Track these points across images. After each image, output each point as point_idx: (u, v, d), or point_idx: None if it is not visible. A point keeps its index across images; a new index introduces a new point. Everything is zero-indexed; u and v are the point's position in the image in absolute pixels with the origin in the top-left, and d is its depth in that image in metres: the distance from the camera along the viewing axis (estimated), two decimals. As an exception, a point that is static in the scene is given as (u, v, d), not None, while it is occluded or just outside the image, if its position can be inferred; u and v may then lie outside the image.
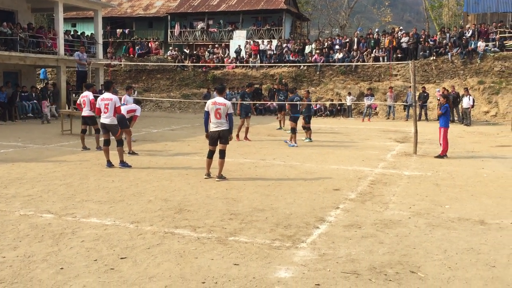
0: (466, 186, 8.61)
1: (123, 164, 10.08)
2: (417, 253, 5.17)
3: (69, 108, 18.66)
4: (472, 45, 25.50)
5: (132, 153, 11.74)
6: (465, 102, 21.38)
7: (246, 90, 16.22)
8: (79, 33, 27.64)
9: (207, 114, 8.87)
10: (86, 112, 12.63)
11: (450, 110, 12.79)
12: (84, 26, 37.47)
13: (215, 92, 9.47)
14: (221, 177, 8.88)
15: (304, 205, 7.13)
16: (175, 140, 15.15)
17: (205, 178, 8.97)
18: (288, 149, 13.23)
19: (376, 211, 6.87)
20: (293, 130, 13.91)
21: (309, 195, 7.77)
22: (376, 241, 5.54)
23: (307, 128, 14.96)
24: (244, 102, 15.20)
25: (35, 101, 22.60)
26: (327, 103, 26.45)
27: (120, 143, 10.19)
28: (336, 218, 6.45)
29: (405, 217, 6.56)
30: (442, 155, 11.83)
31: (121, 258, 4.89)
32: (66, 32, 25.89)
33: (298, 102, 14.42)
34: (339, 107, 26.39)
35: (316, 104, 26.45)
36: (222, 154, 8.88)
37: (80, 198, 7.39)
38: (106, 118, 10.14)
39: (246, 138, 15.09)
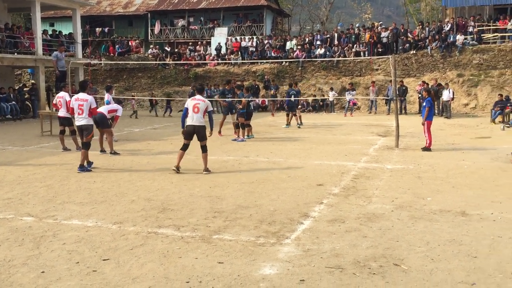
0: (447, 178, 8.72)
1: (82, 168, 9.50)
2: (400, 245, 5.21)
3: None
4: (451, 38, 25.79)
5: (114, 153, 11.61)
6: (445, 95, 21.61)
7: (226, 87, 16.44)
8: (57, 33, 27.22)
9: (185, 110, 9.12)
10: (62, 113, 12.43)
11: (433, 103, 12.91)
12: (63, 26, 36.93)
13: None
14: (207, 170, 9.16)
15: (288, 201, 7.14)
16: (157, 139, 15.03)
17: (173, 170, 9.08)
18: (271, 145, 13.23)
19: (360, 205, 6.91)
20: (242, 126, 14.43)
21: (293, 191, 7.79)
22: (360, 235, 5.57)
23: (247, 125, 14.76)
24: (226, 100, 15.32)
25: (13, 102, 22.21)
26: (310, 99, 26.50)
27: (86, 146, 9.63)
28: (320, 213, 6.47)
29: (388, 210, 6.61)
30: (429, 148, 11.93)
31: (104, 260, 4.83)
32: (44, 32, 25.46)
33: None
34: (321, 103, 26.48)
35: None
36: (204, 148, 9.17)
37: (61, 200, 7.28)
38: (81, 120, 9.66)
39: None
